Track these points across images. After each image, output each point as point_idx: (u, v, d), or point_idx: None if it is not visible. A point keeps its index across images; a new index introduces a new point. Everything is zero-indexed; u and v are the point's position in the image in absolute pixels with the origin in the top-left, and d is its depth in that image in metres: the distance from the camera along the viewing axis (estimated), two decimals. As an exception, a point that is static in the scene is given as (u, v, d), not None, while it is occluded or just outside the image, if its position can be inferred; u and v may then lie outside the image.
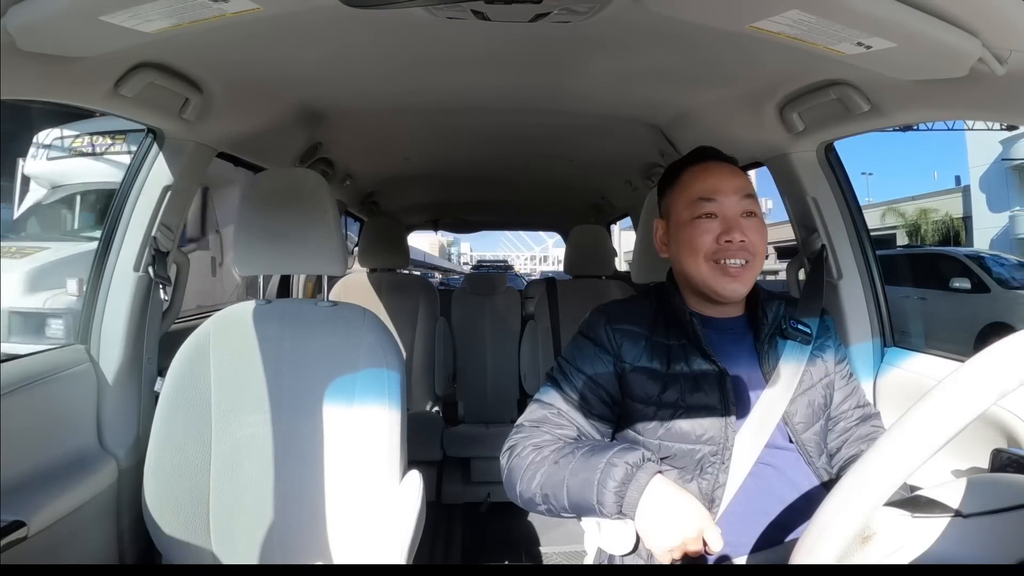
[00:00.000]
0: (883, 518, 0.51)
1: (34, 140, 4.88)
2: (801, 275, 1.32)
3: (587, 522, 0.79)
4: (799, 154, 1.21)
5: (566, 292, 2.13)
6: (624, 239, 7.49)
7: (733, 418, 0.80)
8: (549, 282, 2.23)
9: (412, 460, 1.05)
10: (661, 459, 0.80)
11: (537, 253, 35.64)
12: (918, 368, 1.11)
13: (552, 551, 1.82)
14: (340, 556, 0.99)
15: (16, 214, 4.97)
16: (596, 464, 0.72)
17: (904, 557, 0.49)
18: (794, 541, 0.53)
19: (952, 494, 0.53)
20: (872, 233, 1.27)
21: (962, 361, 0.44)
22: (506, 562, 1.80)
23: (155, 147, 1.13)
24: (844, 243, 1.22)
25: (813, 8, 0.65)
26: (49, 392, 0.99)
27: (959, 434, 0.41)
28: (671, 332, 0.86)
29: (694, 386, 0.82)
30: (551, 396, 0.86)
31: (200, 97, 1.04)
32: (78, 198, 4.74)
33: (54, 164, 4.82)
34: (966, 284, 6.37)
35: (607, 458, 0.72)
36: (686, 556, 0.68)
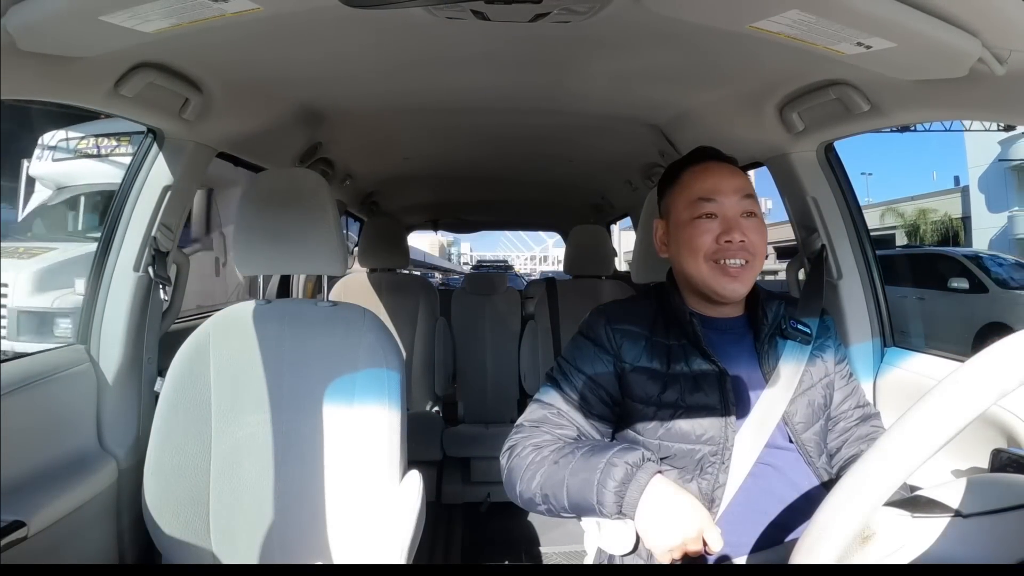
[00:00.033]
0: (883, 518, 0.51)
1: (39, 142, 4.91)
2: (801, 275, 1.32)
3: (587, 522, 0.80)
4: (799, 154, 1.21)
5: (566, 292, 2.13)
6: (624, 239, 7.49)
7: (733, 418, 0.80)
8: (549, 282, 2.23)
9: (412, 460, 1.05)
10: (661, 459, 0.80)
11: (537, 253, 35.65)
12: (918, 368, 1.11)
13: (552, 551, 1.82)
14: (340, 556, 0.99)
15: (21, 215, 4.99)
16: (596, 464, 0.72)
17: (904, 557, 0.49)
18: (794, 541, 0.53)
19: (952, 494, 0.53)
20: (871, 233, 1.27)
21: (962, 361, 0.44)
22: (506, 562, 1.80)
23: (155, 147, 1.13)
24: (844, 243, 1.22)
25: (813, 8, 0.65)
26: (49, 392, 0.99)
27: (959, 434, 0.41)
28: (671, 332, 0.86)
29: (694, 386, 0.82)
30: (551, 396, 0.86)
31: (200, 97, 1.03)
32: (84, 199, 4.78)
33: (59, 165, 4.86)
34: (964, 284, 6.38)
35: (607, 458, 0.72)
36: (686, 556, 0.68)
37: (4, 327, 3.82)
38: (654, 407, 0.82)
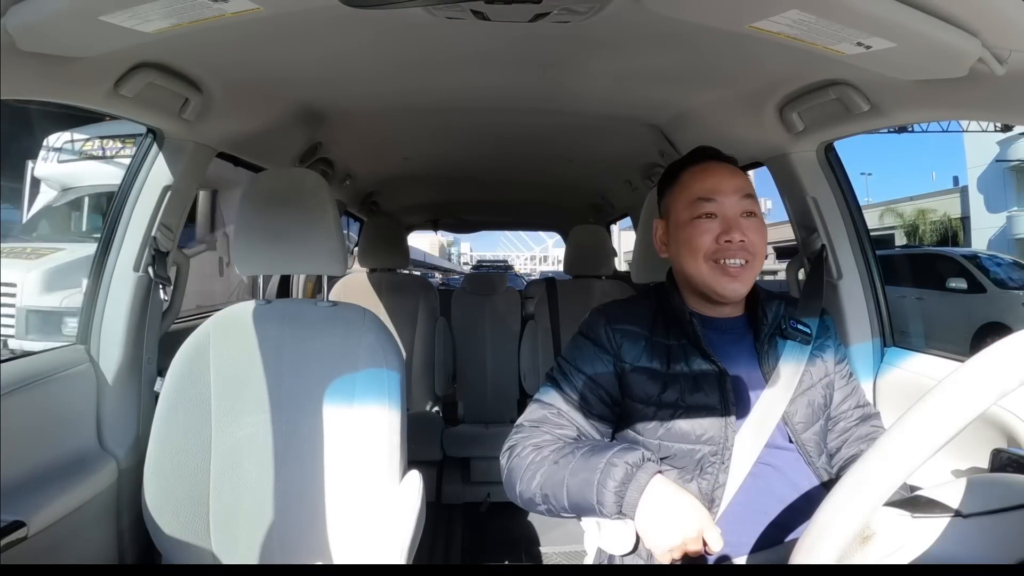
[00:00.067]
0: (883, 518, 0.51)
1: (45, 143, 4.95)
2: (801, 275, 1.32)
3: (587, 522, 0.80)
4: (799, 154, 1.21)
5: (566, 292, 2.13)
6: (624, 239, 7.49)
7: (733, 418, 0.80)
8: (549, 282, 2.23)
9: (412, 460, 1.05)
10: (661, 459, 0.80)
11: (537, 253, 35.65)
12: (918, 368, 1.11)
13: (552, 551, 1.82)
14: (340, 556, 0.99)
15: (26, 216, 5.01)
16: (596, 464, 0.72)
17: (904, 557, 0.49)
18: (794, 541, 0.53)
19: (952, 494, 0.53)
20: (870, 233, 1.27)
21: (962, 361, 0.44)
22: (506, 562, 1.80)
23: (155, 147, 1.13)
24: (844, 243, 1.22)
25: (813, 8, 0.65)
26: (49, 392, 0.99)
27: (959, 434, 0.41)
28: (671, 332, 0.86)
29: (694, 386, 0.82)
30: (551, 396, 0.86)
31: (200, 97, 1.03)
32: (89, 200, 4.81)
33: (65, 167, 4.89)
34: (963, 284, 6.39)
35: (607, 458, 0.72)
36: (686, 556, 0.68)
37: (12, 326, 3.84)
38: (654, 407, 0.82)
